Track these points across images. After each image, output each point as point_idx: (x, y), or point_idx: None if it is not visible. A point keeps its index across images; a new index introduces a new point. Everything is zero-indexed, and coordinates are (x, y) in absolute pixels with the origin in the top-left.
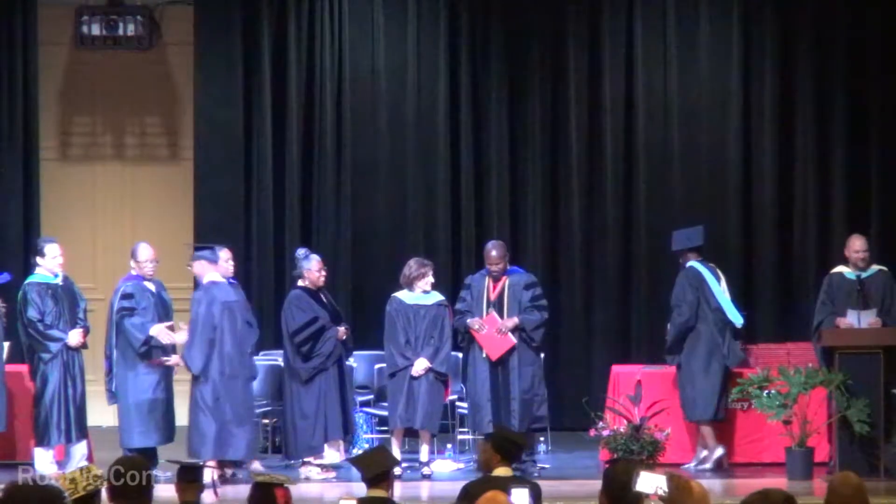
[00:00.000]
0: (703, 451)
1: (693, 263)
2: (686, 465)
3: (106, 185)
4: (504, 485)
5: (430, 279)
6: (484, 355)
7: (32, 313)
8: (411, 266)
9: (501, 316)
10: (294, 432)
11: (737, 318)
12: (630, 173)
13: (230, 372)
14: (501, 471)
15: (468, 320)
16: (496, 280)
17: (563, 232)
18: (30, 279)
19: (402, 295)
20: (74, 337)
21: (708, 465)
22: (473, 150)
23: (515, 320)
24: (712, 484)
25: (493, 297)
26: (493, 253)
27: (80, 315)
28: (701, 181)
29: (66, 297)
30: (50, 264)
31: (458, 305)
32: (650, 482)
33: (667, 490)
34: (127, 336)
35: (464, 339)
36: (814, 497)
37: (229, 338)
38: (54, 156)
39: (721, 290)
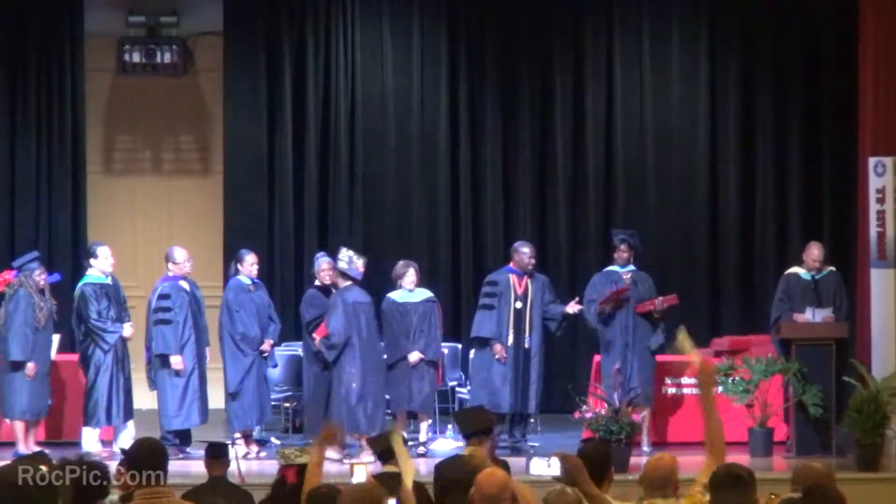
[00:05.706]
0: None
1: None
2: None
3: (145, 196)
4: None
5: (412, 278)
6: (505, 348)
7: (92, 311)
8: (398, 265)
9: (526, 307)
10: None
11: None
12: (610, 186)
13: None
14: (468, 450)
15: (496, 347)
16: (521, 277)
17: (551, 237)
18: (85, 280)
19: (395, 295)
20: (128, 330)
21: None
22: (471, 164)
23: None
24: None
25: (520, 291)
26: (528, 250)
27: (126, 311)
28: (673, 193)
29: (115, 296)
30: (103, 265)
31: (485, 301)
32: (541, 466)
33: (559, 472)
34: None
35: (473, 343)
36: (773, 472)
37: None
38: (99, 170)
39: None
